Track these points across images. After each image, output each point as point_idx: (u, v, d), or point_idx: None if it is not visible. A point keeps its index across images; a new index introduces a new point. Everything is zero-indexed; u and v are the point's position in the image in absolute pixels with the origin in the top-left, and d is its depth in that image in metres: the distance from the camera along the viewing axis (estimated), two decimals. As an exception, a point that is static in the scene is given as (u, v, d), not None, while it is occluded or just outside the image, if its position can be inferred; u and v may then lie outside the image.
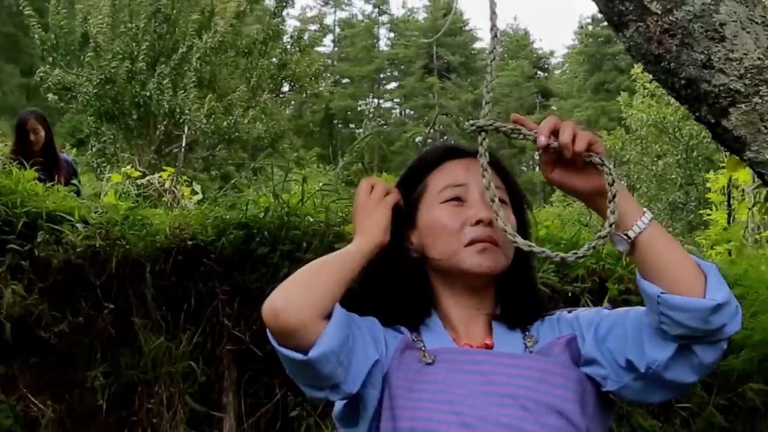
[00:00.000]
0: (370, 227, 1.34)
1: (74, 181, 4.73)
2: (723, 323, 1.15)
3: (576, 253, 1.24)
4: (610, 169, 1.21)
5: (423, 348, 1.30)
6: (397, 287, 1.38)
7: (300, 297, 1.20)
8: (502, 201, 1.29)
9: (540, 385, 1.22)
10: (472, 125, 1.29)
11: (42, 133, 5.04)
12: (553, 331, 1.33)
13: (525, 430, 1.17)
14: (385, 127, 39.55)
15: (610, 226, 1.20)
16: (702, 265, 1.19)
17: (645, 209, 1.22)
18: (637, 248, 1.20)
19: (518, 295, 1.36)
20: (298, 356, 1.18)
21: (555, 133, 1.22)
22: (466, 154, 1.40)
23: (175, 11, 13.47)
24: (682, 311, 1.14)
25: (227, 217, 3.20)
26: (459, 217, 1.32)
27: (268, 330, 1.22)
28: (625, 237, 1.20)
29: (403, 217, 1.40)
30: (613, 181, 1.20)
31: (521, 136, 1.28)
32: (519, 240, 1.23)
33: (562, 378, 1.23)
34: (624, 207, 1.21)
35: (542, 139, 1.22)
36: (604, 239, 1.22)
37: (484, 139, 1.28)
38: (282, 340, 1.20)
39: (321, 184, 4.02)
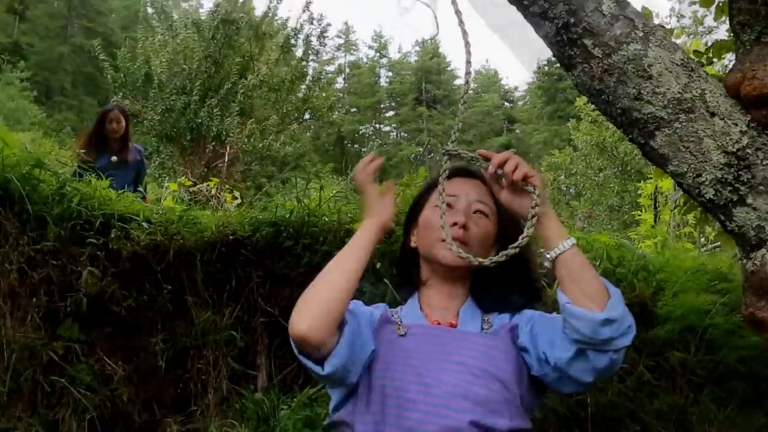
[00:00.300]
0: (379, 208, 1.35)
1: (140, 188, 4.69)
2: (611, 336, 1.16)
3: (491, 259, 1.28)
4: (537, 196, 1.22)
5: (399, 322, 1.31)
6: (396, 268, 1.41)
7: (317, 322, 1.17)
8: (482, 212, 1.35)
9: (487, 358, 1.23)
10: (443, 151, 1.32)
11: (123, 123, 4.84)
12: (503, 320, 1.34)
13: (472, 390, 1.19)
14: (384, 146, 39.49)
15: (522, 239, 1.23)
16: (609, 288, 1.21)
17: (570, 236, 1.22)
18: (557, 266, 1.21)
19: (489, 290, 1.37)
20: (317, 370, 1.21)
21: (503, 164, 1.24)
22: (470, 174, 1.41)
23: (221, 56, 13.50)
24: (578, 319, 1.16)
25: (260, 217, 3.21)
26: (445, 219, 1.31)
27: (292, 343, 1.21)
28: (548, 255, 1.22)
29: (414, 214, 1.43)
30: (536, 206, 1.22)
31: (478, 163, 1.31)
32: (454, 247, 1.25)
33: (504, 354, 1.25)
34: (551, 230, 1.23)
35: (491, 168, 1.25)
36: (515, 249, 1.24)
37: (447, 160, 1.31)
38: (304, 354, 1.21)
39: (334, 191, 4.02)
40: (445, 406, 1.17)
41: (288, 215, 3.17)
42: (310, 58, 16.21)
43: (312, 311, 1.18)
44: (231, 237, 3.11)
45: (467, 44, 1.36)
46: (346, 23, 53.43)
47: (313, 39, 15.69)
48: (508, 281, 1.36)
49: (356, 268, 1.25)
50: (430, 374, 1.21)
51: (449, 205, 1.34)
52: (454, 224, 1.31)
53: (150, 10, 16.01)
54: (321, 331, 1.17)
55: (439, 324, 1.33)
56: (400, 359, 1.24)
